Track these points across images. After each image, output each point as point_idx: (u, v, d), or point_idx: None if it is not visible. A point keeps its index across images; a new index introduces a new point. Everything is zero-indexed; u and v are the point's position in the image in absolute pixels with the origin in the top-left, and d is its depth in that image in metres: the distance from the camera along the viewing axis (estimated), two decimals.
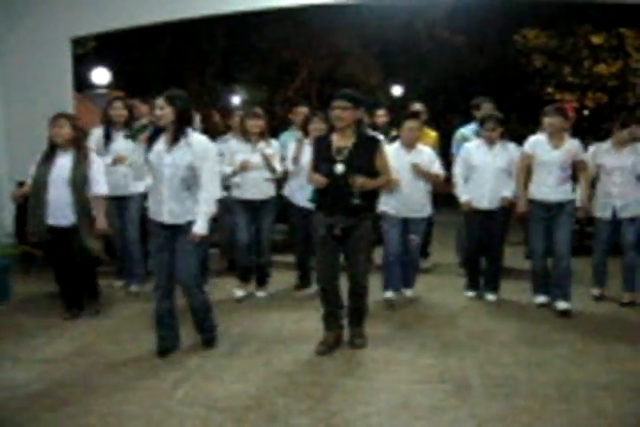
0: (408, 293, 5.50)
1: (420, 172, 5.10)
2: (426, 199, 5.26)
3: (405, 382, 3.80)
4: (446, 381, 3.80)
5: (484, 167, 5.28)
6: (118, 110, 5.53)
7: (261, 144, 5.34)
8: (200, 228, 3.97)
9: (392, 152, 4.95)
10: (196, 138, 4.02)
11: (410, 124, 5.11)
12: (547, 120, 5.05)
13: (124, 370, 3.95)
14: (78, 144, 4.75)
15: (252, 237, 5.46)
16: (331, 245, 4.18)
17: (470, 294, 5.59)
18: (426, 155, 5.23)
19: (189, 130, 4.01)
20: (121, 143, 5.48)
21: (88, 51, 15.10)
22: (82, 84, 13.68)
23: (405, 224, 5.24)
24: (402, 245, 5.28)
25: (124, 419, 3.30)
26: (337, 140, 4.13)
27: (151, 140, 4.06)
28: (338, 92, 4.19)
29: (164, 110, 3.91)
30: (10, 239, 7.04)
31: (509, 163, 5.27)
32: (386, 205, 5.16)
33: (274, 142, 5.50)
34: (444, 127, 6.89)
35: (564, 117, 5.05)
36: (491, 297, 5.48)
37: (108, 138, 5.51)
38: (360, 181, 4.00)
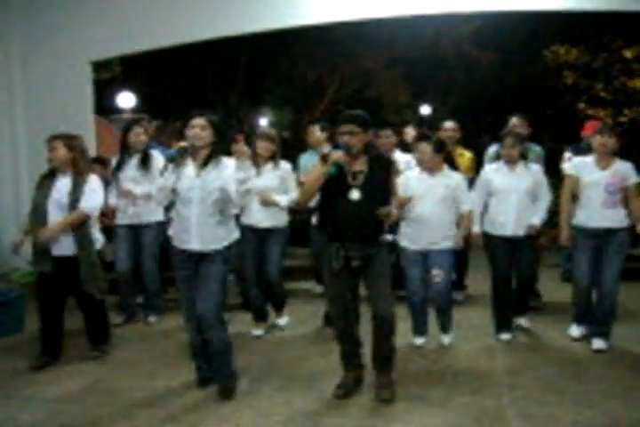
0: (445, 339, 4.81)
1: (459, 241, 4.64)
2: (450, 230, 4.63)
3: (439, 424, 3.48)
4: (482, 422, 3.48)
5: (506, 191, 4.75)
6: (140, 136, 5.32)
7: (268, 166, 5.01)
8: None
9: (413, 177, 4.62)
10: (224, 160, 3.85)
11: (420, 148, 4.59)
12: (599, 140, 4.59)
13: (136, 411, 3.69)
14: (77, 166, 4.44)
15: (258, 268, 5.13)
16: (346, 279, 3.80)
17: (505, 336, 4.85)
18: (453, 182, 4.64)
19: (221, 155, 3.87)
20: (131, 171, 5.30)
21: (115, 75, 15.16)
22: (108, 109, 13.72)
23: (426, 258, 4.65)
24: (426, 283, 4.72)
25: None
26: (350, 163, 3.75)
27: (177, 166, 3.86)
28: (344, 114, 3.84)
29: (205, 131, 3.76)
30: (28, 267, 6.89)
31: (533, 185, 4.76)
32: (403, 237, 4.69)
33: (284, 166, 5.08)
34: (474, 146, 6.54)
35: (616, 138, 4.59)
36: (522, 322, 5.08)
37: (118, 167, 5.33)
38: (394, 214, 3.72)
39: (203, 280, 3.81)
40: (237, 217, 4.88)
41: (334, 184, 3.73)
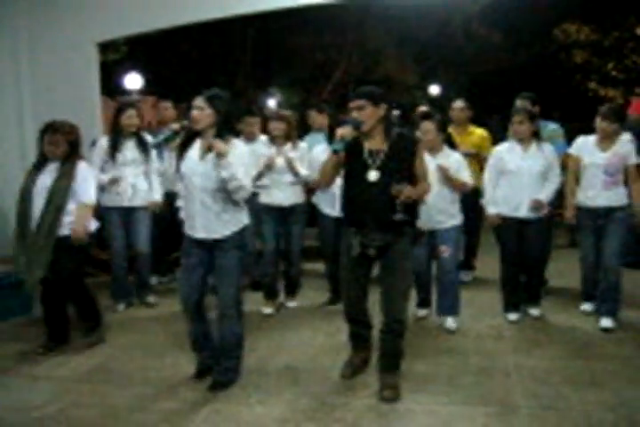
0: (449, 322, 4.70)
1: (446, 176, 4.50)
2: (453, 209, 4.62)
3: (444, 403, 3.49)
4: (489, 402, 3.48)
5: (519, 172, 4.65)
6: (132, 119, 5.22)
7: (287, 147, 5.09)
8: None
9: None
10: (232, 144, 3.53)
11: (424, 127, 4.49)
12: (599, 124, 4.58)
13: (143, 390, 3.73)
14: (69, 157, 4.37)
15: (278, 247, 5.20)
16: (361, 267, 3.67)
17: (512, 317, 4.86)
18: (453, 161, 4.58)
19: (229, 137, 3.54)
20: (131, 153, 5.24)
21: (122, 56, 15.11)
22: (115, 90, 13.69)
23: (433, 236, 4.62)
24: (432, 262, 4.79)
25: None
26: (368, 142, 3.56)
27: (184, 147, 3.64)
28: (353, 91, 3.69)
29: (203, 111, 3.46)
30: None
31: (546, 166, 4.66)
32: None
33: (302, 145, 5.20)
34: (484, 126, 6.41)
35: (619, 122, 4.55)
36: (534, 312, 4.91)
37: (114, 148, 5.20)
38: (406, 193, 3.41)
39: (218, 271, 3.64)
40: (254, 194, 4.82)
41: (351, 164, 3.56)
